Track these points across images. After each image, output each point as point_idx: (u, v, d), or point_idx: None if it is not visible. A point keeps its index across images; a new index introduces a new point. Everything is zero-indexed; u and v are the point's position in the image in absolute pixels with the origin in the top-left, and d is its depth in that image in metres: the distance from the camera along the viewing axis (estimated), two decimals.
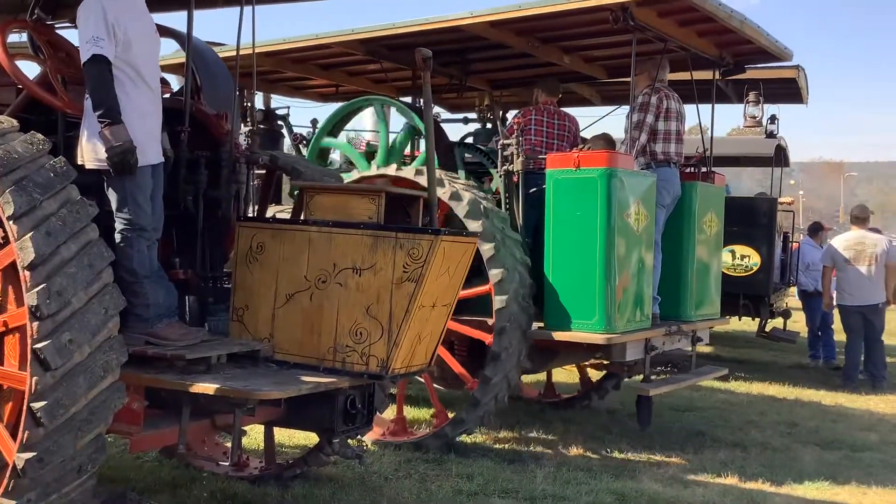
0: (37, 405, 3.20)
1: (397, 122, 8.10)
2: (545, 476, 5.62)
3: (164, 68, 6.37)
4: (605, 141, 7.34)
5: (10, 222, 3.26)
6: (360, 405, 4.36)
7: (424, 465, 5.84)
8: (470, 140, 8.66)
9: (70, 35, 4.62)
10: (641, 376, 6.55)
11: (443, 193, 5.95)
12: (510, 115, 10.18)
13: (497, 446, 6.55)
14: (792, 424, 7.71)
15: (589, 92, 9.95)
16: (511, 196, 6.51)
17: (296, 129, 9.06)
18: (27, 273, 3.24)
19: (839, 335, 11.15)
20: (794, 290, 12.38)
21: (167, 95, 4.66)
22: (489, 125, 9.48)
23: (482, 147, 7.63)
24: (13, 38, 4.39)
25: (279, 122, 9.17)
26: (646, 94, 6.76)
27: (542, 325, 6.22)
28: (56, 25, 4.76)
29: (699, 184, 7.08)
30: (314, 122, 8.36)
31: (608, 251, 5.87)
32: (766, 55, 7.44)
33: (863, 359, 10.24)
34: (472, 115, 9.90)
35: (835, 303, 10.35)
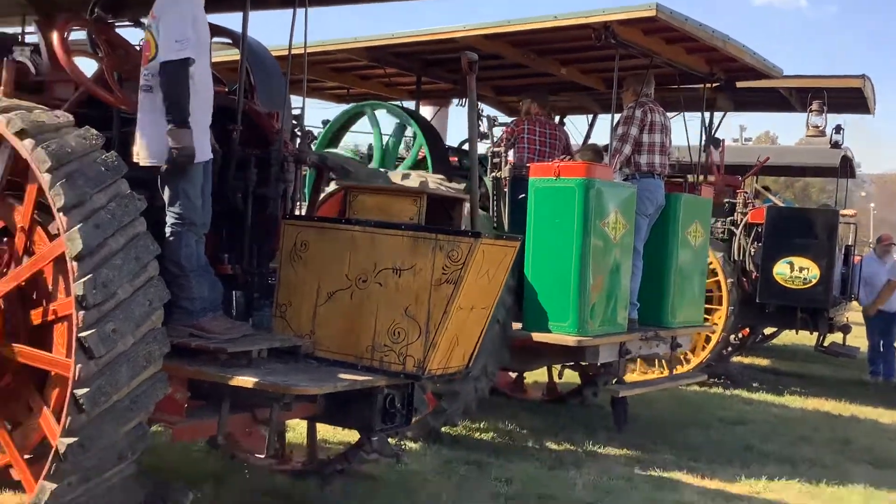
0: (80, 392, 3.28)
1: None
2: (584, 484, 5.58)
3: (220, 66, 6.52)
4: (593, 152, 7.61)
5: (61, 214, 3.35)
6: (399, 405, 4.39)
7: (465, 466, 5.85)
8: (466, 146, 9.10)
9: (127, 33, 4.76)
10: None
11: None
12: (567, 119, 10.29)
13: (539, 452, 6.52)
14: (845, 442, 7.52)
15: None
16: (498, 200, 6.76)
17: (308, 129, 9.24)
18: (75, 264, 3.32)
19: None
20: (856, 304, 12.07)
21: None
22: None
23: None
24: (73, 35, 4.52)
25: (293, 122, 9.36)
26: (631, 107, 6.99)
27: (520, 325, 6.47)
28: (115, 24, 4.90)
29: (684, 195, 7.34)
30: (325, 122, 8.58)
31: (583, 257, 6.13)
32: (755, 71, 7.68)
33: None
34: None
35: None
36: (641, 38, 6.68)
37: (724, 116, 11.46)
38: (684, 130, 8.19)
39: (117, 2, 5.04)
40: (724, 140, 11.79)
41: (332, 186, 5.35)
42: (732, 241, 10.26)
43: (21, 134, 3.42)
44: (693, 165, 8.04)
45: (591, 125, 9.89)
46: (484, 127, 8.37)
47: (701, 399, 9.16)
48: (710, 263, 9.76)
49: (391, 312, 4.07)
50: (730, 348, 10.85)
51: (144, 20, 4.71)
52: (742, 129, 34.70)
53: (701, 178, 11.09)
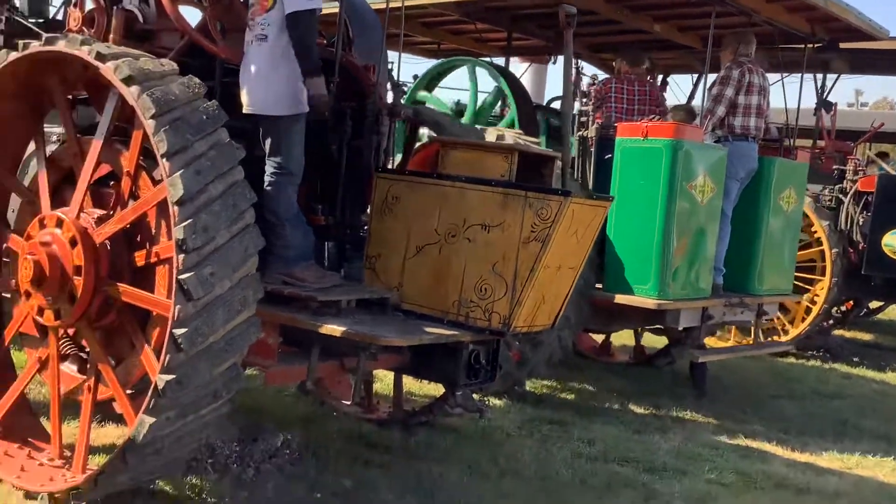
0: (178, 332, 3.40)
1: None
2: (669, 449, 5.53)
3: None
4: (686, 112, 7.58)
5: (164, 160, 3.45)
6: (484, 360, 4.43)
7: (548, 426, 5.87)
8: (556, 104, 9.14)
9: None
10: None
11: None
12: (671, 78, 10.03)
13: (624, 415, 6.49)
14: None
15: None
16: (584, 159, 6.73)
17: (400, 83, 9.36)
18: (176, 208, 3.42)
19: None
20: None
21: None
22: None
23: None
24: None
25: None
26: (728, 67, 6.82)
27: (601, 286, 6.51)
28: None
29: (778, 159, 7.13)
30: (415, 77, 8.67)
31: (667, 220, 6.09)
32: (860, 32, 7.38)
33: None
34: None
35: None
36: None
37: (837, 79, 11.00)
38: (782, 92, 7.86)
39: None
40: (836, 104, 11.29)
41: (424, 140, 5.39)
42: (840, 210, 9.85)
43: (128, 81, 3.53)
44: (791, 129, 7.78)
45: (696, 85, 9.60)
46: (584, 85, 8.27)
47: (798, 371, 8.92)
48: (815, 232, 9.43)
49: (479, 268, 4.09)
50: (831, 321, 10.48)
51: None
52: (858, 94, 33.00)
53: (810, 142, 10.72)
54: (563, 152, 4.15)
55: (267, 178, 4.30)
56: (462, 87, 8.66)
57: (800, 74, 7.81)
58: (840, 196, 9.96)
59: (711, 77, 6.98)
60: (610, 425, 6.01)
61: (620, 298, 6.28)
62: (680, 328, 6.52)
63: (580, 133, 6.77)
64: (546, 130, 7.98)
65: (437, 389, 5.99)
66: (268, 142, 4.29)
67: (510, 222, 3.99)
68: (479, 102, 8.01)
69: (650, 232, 6.12)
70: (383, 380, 6.21)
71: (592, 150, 6.71)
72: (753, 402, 7.24)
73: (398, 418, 5.47)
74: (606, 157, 6.58)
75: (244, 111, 4.22)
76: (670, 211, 6.08)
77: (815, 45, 7.63)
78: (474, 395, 5.17)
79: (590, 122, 6.75)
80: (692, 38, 8.24)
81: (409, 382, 5.91)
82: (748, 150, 6.83)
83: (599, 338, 8.52)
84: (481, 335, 4.15)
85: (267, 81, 4.22)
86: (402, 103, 5.10)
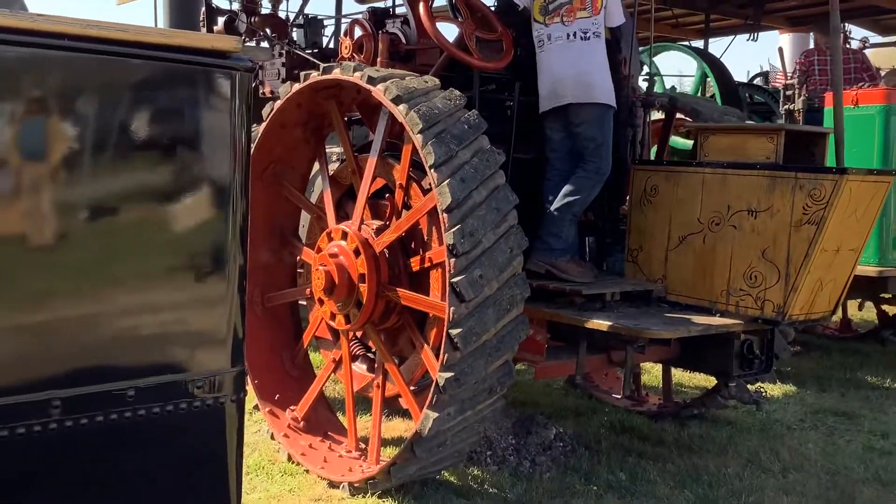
0: (454, 332, 3.62)
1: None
2: None
3: None
4: None
5: (432, 170, 3.68)
6: (758, 350, 4.28)
7: (833, 417, 5.53)
8: (758, 81, 9.60)
9: None
10: None
11: None
12: None
13: None
14: None
15: None
16: None
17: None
18: (445, 215, 3.64)
19: None
20: None
21: None
22: None
23: (766, 88, 8.49)
24: (437, 2, 4.87)
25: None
26: None
27: None
28: None
29: None
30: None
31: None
32: None
33: None
34: None
35: None
36: None
37: None
38: None
39: None
40: None
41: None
42: None
43: (396, 100, 3.80)
44: None
45: None
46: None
47: None
48: None
49: (747, 256, 3.96)
50: None
51: None
52: None
53: None
54: (836, 128, 3.92)
55: (581, 174, 4.44)
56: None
57: None
58: None
59: None
60: None
61: None
62: None
63: (786, 107, 6.69)
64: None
65: (707, 381, 5.85)
66: (588, 138, 4.42)
67: (779, 206, 3.83)
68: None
69: None
70: (650, 371, 6.15)
71: (800, 122, 6.55)
72: None
73: (669, 411, 5.41)
74: None
75: (591, 101, 4.37)
76: None
77: None
78: (749, 386, 5.00)
79: (795, 96, 6.65)
80: None
81: (677, 373, 5.81)
82: None
83: None
84: (754, 325, 4.01)
85: (607, 74, 4.43)
86: (655, 93, 5.03)
